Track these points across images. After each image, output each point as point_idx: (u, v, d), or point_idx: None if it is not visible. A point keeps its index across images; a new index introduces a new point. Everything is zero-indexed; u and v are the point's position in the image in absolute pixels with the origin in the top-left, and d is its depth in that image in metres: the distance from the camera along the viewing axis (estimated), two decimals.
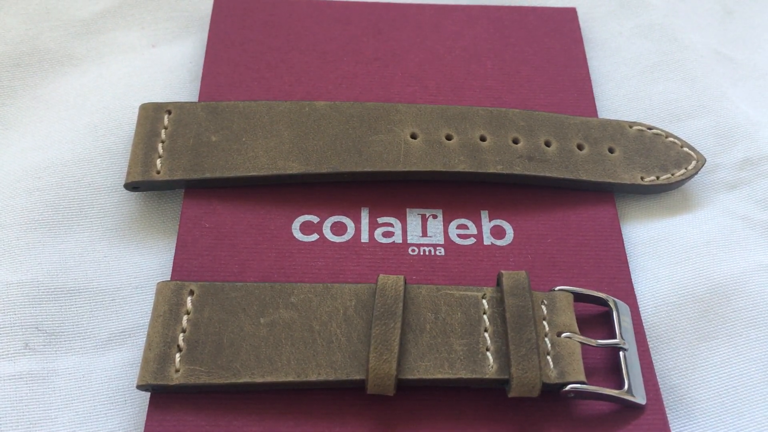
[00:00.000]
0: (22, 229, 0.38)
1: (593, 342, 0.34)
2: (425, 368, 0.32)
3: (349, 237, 0.38)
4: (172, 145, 0.39)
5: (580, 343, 0.34)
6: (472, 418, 0.33)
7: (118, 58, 0.46)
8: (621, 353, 0.34)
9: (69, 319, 0.36)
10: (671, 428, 0.34)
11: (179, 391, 0.33)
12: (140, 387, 0.32)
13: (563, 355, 0.33)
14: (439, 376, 0.32)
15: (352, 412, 0.33)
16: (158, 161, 0.39)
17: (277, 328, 0.33)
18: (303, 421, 0.32)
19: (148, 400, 0.33)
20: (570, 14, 0.48)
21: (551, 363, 0.33)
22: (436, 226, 0.39)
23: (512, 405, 0.33)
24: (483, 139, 0.40)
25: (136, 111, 0.42)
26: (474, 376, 0.32)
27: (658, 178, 0.40)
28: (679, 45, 0.48)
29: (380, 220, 0.39)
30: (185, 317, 0.34)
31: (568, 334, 0.34)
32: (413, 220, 0.39)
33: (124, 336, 0.36)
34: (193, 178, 0.38)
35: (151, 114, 0.40)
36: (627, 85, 0.46)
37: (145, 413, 0.33)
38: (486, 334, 0.33)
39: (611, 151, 0.41)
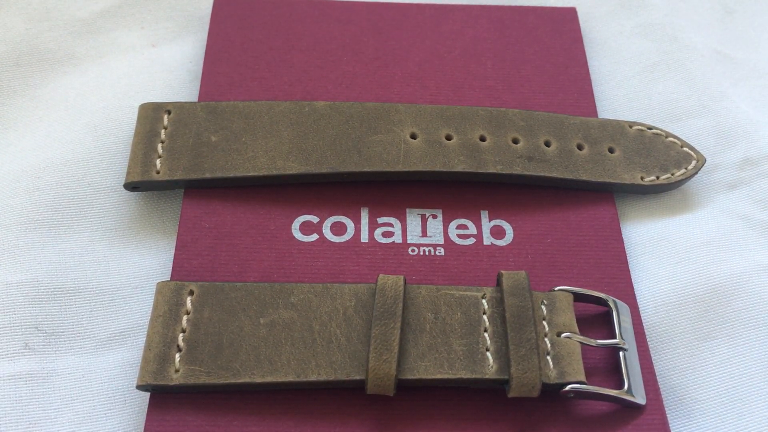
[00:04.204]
0: (22, 229, 0.38)
1: (593, 342, 0.34)
2: (425, 368, 0.32)
3: (349, 237, 0.38)
4: (172, 145, 0.39)
5: (580, 343, 0.34)
6: (472, 418, 0.33)
7: (118, 58, 0.46)
8: (621, 353, 0.34)
9: (69, 319, 0.36)
10: (671, 428, 0.34)
11: (179, 391, 0.33)
12: (140, 387, 0.32)
13: (563, 355, 0.33)
14: (439, 376, 0.32)
15: (352, 412, 0.33)
16: (158, 161, 0.39)
17: (276, 328, 0.33)
18: (303, 421, 0.32)
19: (147, 400, 0.33)
20: (570, 14, 0.48)
21: (551, 363, 0.33)
22: (435, 226, 0.39)
23: (512, 405, 0.33)
24: (483, 139, 0.40)
25: (136, 111, 0.42)
26: (474, 376, 0.32)
27: (658, 178, 0.40)
28: (680, 44, 0.48)
29: (380, 220, 0.39)
30: (185, 317, 0.34)
31: (567, 334, 0.34)
32: (413, 220, 0.39)
33: (124, 336, 0.36)
34: (193, 178, 0.38)
35: (150, 114, 0.40)
36: (627, 84, 0.46)
37: (145, 413, 0.33)
38: (486, 334, 0.33)
39: (611, 151, 0.41)
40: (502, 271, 0.35)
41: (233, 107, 0.41)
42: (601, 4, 0.50)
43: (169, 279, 0.36)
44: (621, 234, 0.39)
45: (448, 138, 0.40)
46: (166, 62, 0.46)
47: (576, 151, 0.40)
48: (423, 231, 0.38)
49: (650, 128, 0.42)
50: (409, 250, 0.38)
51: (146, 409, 0.33)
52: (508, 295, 0.34)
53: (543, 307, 0.34)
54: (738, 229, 0.40)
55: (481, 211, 0.39)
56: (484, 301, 0.34)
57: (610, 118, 0.44)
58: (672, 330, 0.37)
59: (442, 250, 0.38)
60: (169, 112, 0.40)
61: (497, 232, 0.39)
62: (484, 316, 0.34)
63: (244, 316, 0.34)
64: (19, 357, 0.35)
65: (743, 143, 0.43)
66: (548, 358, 0.33)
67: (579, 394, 0.33)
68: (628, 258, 0.38)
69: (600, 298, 0.35)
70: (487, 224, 0.39)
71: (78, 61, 0.46)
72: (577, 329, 0.34)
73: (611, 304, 0.35)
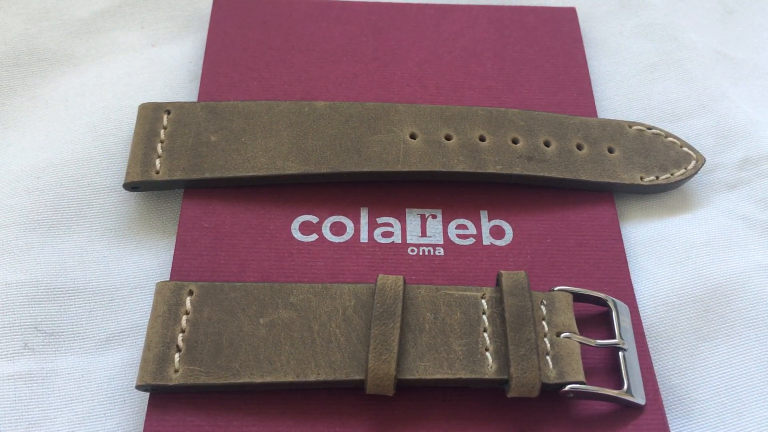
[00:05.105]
0: (22, 229, 0.38)
1: (592, 342, 0.34)
2: (424, 368, 0.32)
3: (349, 237, 0.38)
4: (172, 145, 0.39)
5: (580, 343, 0.34)
6: (471, 418, 0.33)
7: (118, 58, 0.46)
8: (620, 353, 0.34)
9: (68, 319, 0.36)
10: (670, 428, 0.34)
11: (178, 391, 0.33)
12: (139, 387, 0.32)
13: (562, 355, 0.33)
14: (439, 376, 0.32)
15: (352, 412, 0.33)
16: (157, 161, 0.39)
17: (276, 329, 0.33)
18: (302, 421, 0.32)
19: (147, 400, 0.33)
20: (570, 14, 0.48)
21: (550, 363, 0.33)
22: (435, 226, 0.39)
23: (511, 405, 0.33)
24: (482, 139, 0.40)
25: (136, 111, 0.42)
26: (473, 376, 0.32)
27: (657, 178, 0.40)
28: (679, 44, 0.48)
29: (379, 220, 0.39)
30: (184, 317, 0.34)
31: (567, 334, 0.34)
32: (412, 220, 0.39)
33: (123, 336, 0.36)
34: (193, 178, 0.38)
35: (150, 114, 0.40)
36: (627, 84, 0.46)
37: (145, 413, 0.33)
38: (485, 334, 0.33)
39: (611, 151, 0.41)
40: (502, 271, 0.35)
41: (233, 107, 0.41)
42: (601, 4, 0.50)
43: (168, 279, 0.36)
44: (620, 234, 0.39)
45: (448, 138, 0.40)
46: (166, 62, 0.46)
47: (575, 151, 0.40)
48: (422, 231, 0.38)
49: (650, 128, 0.42)
50: (409, 250, 0.38)
51: (146, 409, 0.33)
52: (508, 295, 0.34)
53: (542, 307, 0.34)
54: (738, 229, 0.40)
55: (481, 211, 0.39)
56: (483, 301, 0.34)
57: (610, 118, 0.44)
58: (672, 330, 0.37)
59: (442, 250, 0.38)
60: (168, 112, 0.40)
61: (497, 232, 0.39)
62: (484, 316, 0.34)
63: (243, 316, 0.34)
64: (18, 357, 0.35)
65: (743, 143, 0.43)
66: (548, 358, 0.33)
67: (578, 394, 0.33)
68: (627, 258, 0.38)
69: (599, 298, 0.35)
70: (486, 224, 0.39)
71: (77, 61, 0.46)
72: (576, 329, 0.34)
73: (611, 304, 0.35)
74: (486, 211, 0.39)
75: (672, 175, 0.40)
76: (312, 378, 0.32)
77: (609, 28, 0.49)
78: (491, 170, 0.39)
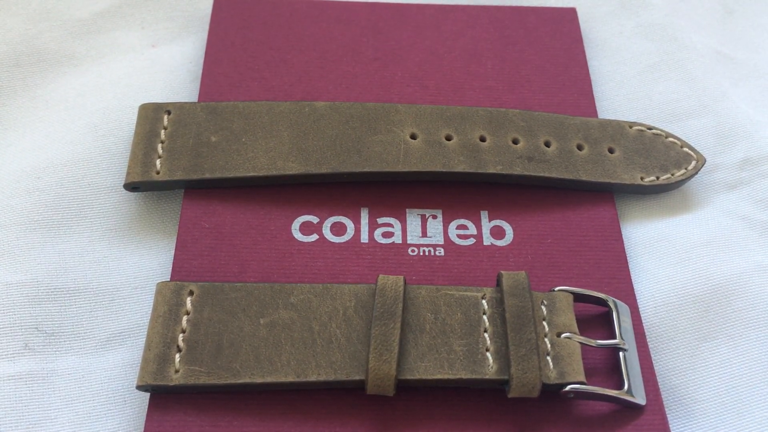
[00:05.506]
0: (22, 229, 0.38)
1: (593, 342, 0.34)
2: (425, 369, 0.32)
3: (349, 237, 0.38)
4: (172, 145, 0.39)
5: (580, 343, 0.34)
6: (471, 418, 0.33)
7: (118, 58, 0.46)
8: (621, 353, 0.34)
9: (69, 320, 0.36)
10: (671, 428, 0.34)
11: (179, 391, 0.33)
12: (140, 387, 0.32)
13: (563, 355, 0.33)
14: (439, 377, 0.32)
15: (352, 412, 0.33)
16: (158, 161, 0.39)
17: (276, 329, 0.33)
18: (303, 421, 0.32)
19: (147, 401, 0.33)
20: (570, 14, 0.48)
21: (551, 363, 0.33)
22: (435, 226, 0.39)
23: (512, 405, 0.33)
24: (483, 139, 0.40)
25: (136, 111, 0.42)
26: (474, 377, 0.32)
27: (658, 178, 0.40)
28: (680, 45, 0.48)
29: (380, 220, 0.39)
30: (185, 318, 0.34)
31: (568, 334, 0.34)
32: (413, 221, 0.39)
33: (124, 336, 0.36)
34: (193, 178, 0.38)
35: (150, 114, 0.40)
36: (627, 85, 0.46)
37: (145, 414, 0.33)
38: (486, 335, 0.33)
39: (611, 151, 0.41)
40: (502, 272, 0.35)
41: (233, 107, 0.41)
42: (601, 4, 0.50)
43: (169, 279, 0.36)
44: (621, 234, 0.39)
45: (448, 138, 0.40)
46: (166, 62, 0.46)
47: (576, 152, 0.40)
48: (423, 231, 0.38)
49: (650, 128, 0.42)
50: (409, 250, 0.38)
51: (146, 410, 0.33)
52: (508, 295, 0.34)
53: (543, 307, 0.34)
54: (738, 229, 0.40)
55: (481, 212, 0.39)
56: (484, 301, 0.34)
57: (610, 118, 0.44)
58: (672, 330, 0.37)
59: (442, 250, 0.38)
60: (169, 113, 0.40)
61: (497, 233, 0.39)
62: (484, 317, 0.34)
63: (244, 317, 0.34)
64: (19, 357, 0.35)
65: (743, 143, 0.43)
66: (548, 358, 0.33)
67: (579, 395, 0.33)
68: (628, 258, 0.38)
69: (600, 298, 0.35)
70: (487, 224, 0.39)
71: (78, 61, 0.46)
72: (577, 329, 0.34)
73: (611, 305, 0.35)
74: (486, 212, 0.39)
75: (672, 175, 0.40)
76: (312, 378, 0.32)
77: (609, 29, 0.49)
78: (492, 170, 0.39)
